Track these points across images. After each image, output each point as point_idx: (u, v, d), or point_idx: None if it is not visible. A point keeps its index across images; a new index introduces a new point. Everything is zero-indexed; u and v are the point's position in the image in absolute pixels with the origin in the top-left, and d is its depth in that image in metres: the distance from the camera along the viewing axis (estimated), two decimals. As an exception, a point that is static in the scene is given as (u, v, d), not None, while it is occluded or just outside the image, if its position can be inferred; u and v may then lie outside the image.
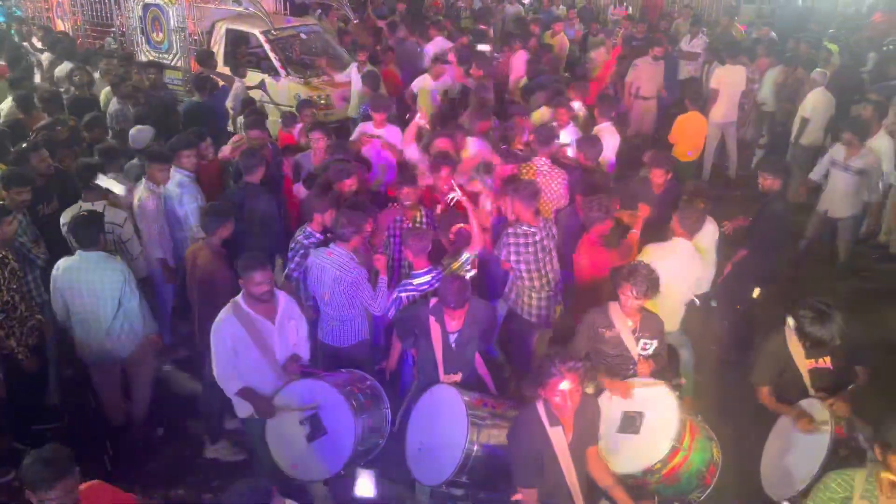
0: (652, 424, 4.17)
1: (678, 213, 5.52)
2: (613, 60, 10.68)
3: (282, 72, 10.65)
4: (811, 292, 4.47)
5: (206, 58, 9.86)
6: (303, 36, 11.63)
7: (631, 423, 4.20)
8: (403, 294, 5.15)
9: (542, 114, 8.24)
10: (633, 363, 4.54)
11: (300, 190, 6.59)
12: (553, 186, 6.53)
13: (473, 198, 5.96)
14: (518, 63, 10.47)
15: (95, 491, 3.51)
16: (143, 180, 6.08)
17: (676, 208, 5.66)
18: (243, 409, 4.64)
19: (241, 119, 8.84)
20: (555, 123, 7.45)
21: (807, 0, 18.23)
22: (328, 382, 4.46)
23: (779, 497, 4.07)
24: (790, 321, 4.31)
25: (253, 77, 10.30)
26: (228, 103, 9.15)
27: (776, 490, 4.12)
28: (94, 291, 5.02)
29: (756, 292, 6.18)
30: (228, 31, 11.25)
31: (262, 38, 10.88)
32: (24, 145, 6.46)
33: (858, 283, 7.77)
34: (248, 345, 4.45)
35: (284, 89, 10.54)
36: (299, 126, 7.87)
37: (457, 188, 5.72)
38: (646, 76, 10.27)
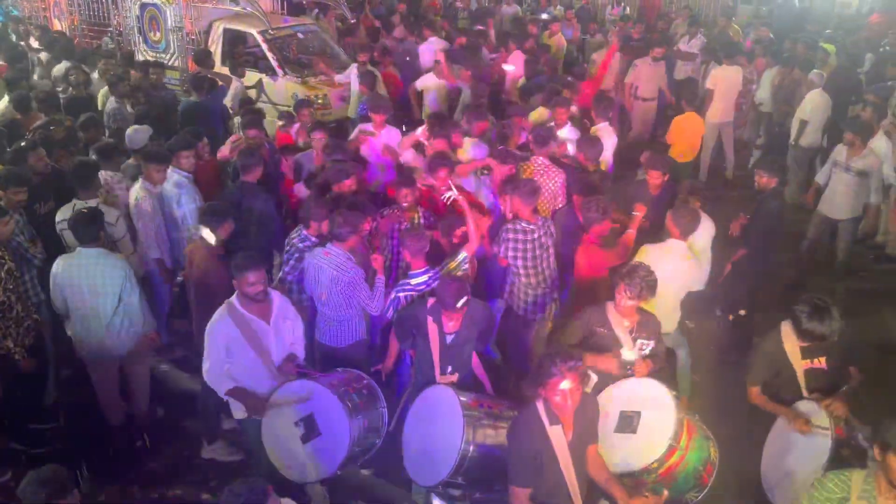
0: (649, 424, 4.16)
1: (673, 213, 5.54)
2: (609, 60, 10.68)
3: (279, 71, 10.64)
4: (809, 292, 4.47)
5: (203, 57, 9.86)
6: (300, 36, 11.64)
7: (628, 422, 4.19)
8: (401, 294, 5.15)
9: (539, 114, 8.24)
10: (629, 363, 4.54)
11: (301, 189, 6.60)
12: (550, 186, 6.54)
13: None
14: (514, 63, 10.47)
15: None
16: (140, 180, 6.07)
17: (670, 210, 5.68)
18: (239, 409, 4.63)
19: (237, 119, 8.85)
20: (552, 123, 7.47)
21: (804, 1, 18.25)
22: (323, 383, 4.44)
23: (780, 499, 4.07)
24: (784, 324, 4.32)
25: (250, 77, 10.29)
26: (228, 103, 9.15)
27: (778, 492, 4.12)
28: (95, 288, 5.02)
29: (742, 312, 6.20)
30: (226, 30, 11.24)
31: (259, 38, 10.86)
32: (22, 144, 6.45)
33: (855, 283, 7.78)
34: (242, 345, 4.43)
35: (282, 89, 10.52)
36: (297, 125, 7.86)
37: (454, 188, 5.73)
38: (645, 77, 10.28)
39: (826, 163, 8.00)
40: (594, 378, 4.55)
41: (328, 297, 5.04)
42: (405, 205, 5.88)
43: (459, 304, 4.41)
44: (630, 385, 4.39)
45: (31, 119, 7.73)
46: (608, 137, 7.46)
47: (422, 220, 5.96)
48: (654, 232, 5.95)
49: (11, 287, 5.00)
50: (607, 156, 7.39)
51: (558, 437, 3.61)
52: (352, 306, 5.10)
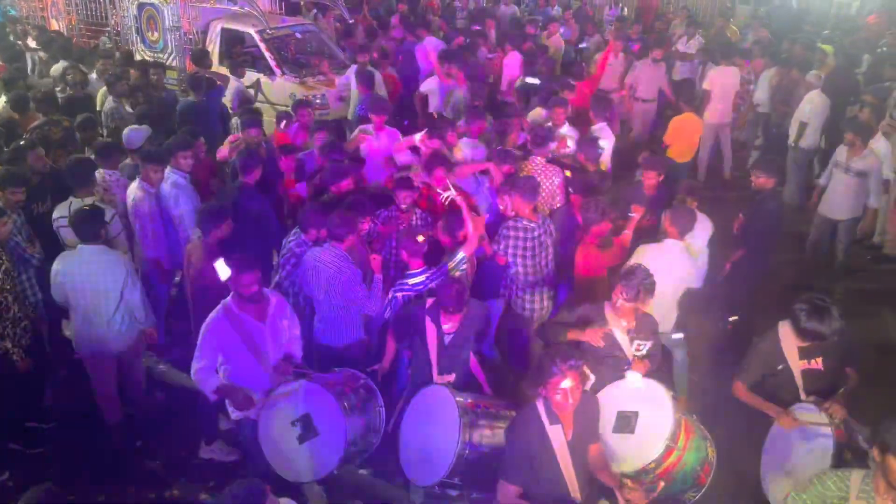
0: (647, 424, 4.16)
1: (669, 213, 5.55)
2: (607, 59, 10.69)
3: (277, 71, 10.64)
4: (807, 292, 4.47)
5: (201, 57, 9.85)
6: (298, 36, 11.63)
7: (626, 422, 4.19)
8: (399, 294, 5.15)
9: (537, 114, 8.24)
10: (627, 363, 4.54)
11: (303, 189, 6.63)
12: (547, 185, 6.55)
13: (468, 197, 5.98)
14: (510, 64, 10.46)
15: None
16: (138, 180, 6.07)
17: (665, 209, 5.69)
18: (235, 410, 4.63)
19: (235, 118, 8.84)
20: (550, 124, 7.48)
21: (802, 1, 18.26)
22: (319, 383, 4.44)
23: (779, 500, 4.07)
24: (782, 324, 4.32)
25: (248, 77, 10.28)
26: (228, 102, 9.13)
27: (777, 493, 4.12)
28: (96, 285, 5.03)
29: (733, 318, 6.22)
30: (224, 30, 11.24)
31: (257, 38, 10.86)
32: (21, 144, 6.45)
33: (854, 283, 7.79)
34: (238, 346, 4.43)
35: (280, 89, 10.52)
36: (295, 125, 7.85)
37: (452, 187, 5.73)
38: (645, 78, 10.28)
39: (828, 164, 8.00)
40: (592, 378, 4.55)
41: (326, 296, 5.04)
42: (404, 206, 5.88)
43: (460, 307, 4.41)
44: (627, 385, 4.38)
45: (28, 119, 7.73)
46: (606, 138, 7.47)
47: (419, 221, 5.96)
48: (649, 232, 5.95)
49: (9, 287, 5.00)
50: (606, 156, 7.40)
51: (558, 436, 3.62)
52: (349, 306, 5.10)
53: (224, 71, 10.22)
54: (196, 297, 5.22)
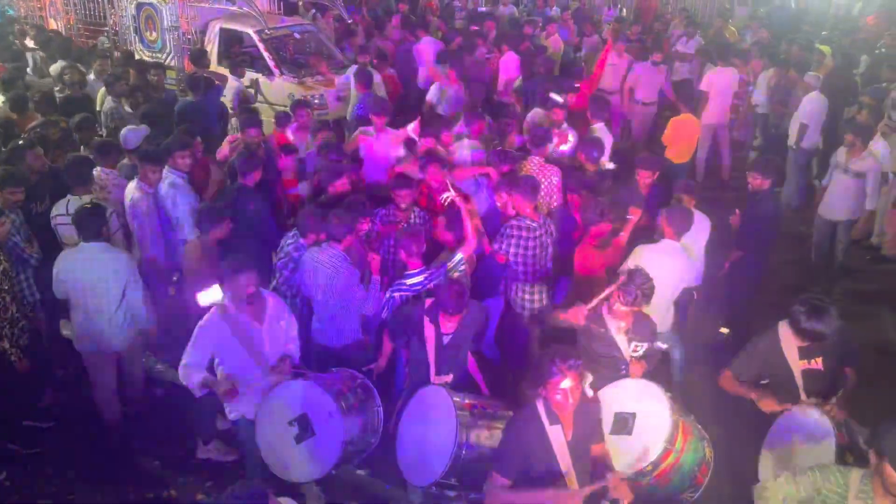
0: (644, 426, 4.15)
1: (666, 213, 5.56)
2: (605, 59, 10.70)
3: (275, 71, 10.63)
4: (806, 293, 4.48)
5: (199, 57, 9.84)
6: (297, 36, 11.62)
7: (623, 424, 4.19)
8: (396, 294, 5.15)
9: (535, 114, 8.25)
10: (624, 364, 4.55)
11: (305, 189, 6.65)
12: (545, 185, 6.54)
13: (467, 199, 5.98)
14: (507, 65, 10.47)
15: None
16: (135, 180, 6.07)
17: (662, 209, 5.69)
18: (234, 410, 4.63)
19: (234, 119, 8.84)
20: (548, 124, 7.49)
21: (800, 2, 18.27)
22: (317, 383, 4.44)
23: None
24: (781, 324, 4.32)
25: (247, 76, 10.27)
26: (228, 102, 9.12)
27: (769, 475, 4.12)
28: (98, 282, 5.05)
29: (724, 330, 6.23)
30: (222, 30, 11.24)
31: (255, 38, 10.86)
32: (20, 143, 6.45)
33: (852, 284, 7.80)
34: (235, 346, 4.42)
35: (278, 89, 10.52)
36: (293, 126, 7.85)
37: (451, 188, 5.73)
38: (644, 81, 10.28)
39: (826, 165, 8.00)
40: (589, 377, 4.56)
41: (323, 297, 5.04)
42: (403, 206, 5.88)
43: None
44: (624, 386, 4.38)
45: (27, 119, 7.72)
46: (604, 138, 7.46)
47: (417, 220, 5.96)
48: (644, 231, 5.96)
49: (6, 288, 5.00)
50: (604, 157, 7.39)
51: (557, 437, 3.62)
52: (347, 306, 5.09)
53: (223, 71, 10.22)
54: (193, 297, 5.21)
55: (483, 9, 17.01)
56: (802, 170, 9.47)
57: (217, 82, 9.12)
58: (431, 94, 9.36)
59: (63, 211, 5.76)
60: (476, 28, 12.61)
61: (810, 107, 9.04)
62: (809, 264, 7.84)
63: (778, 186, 7.98)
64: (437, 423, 4.25)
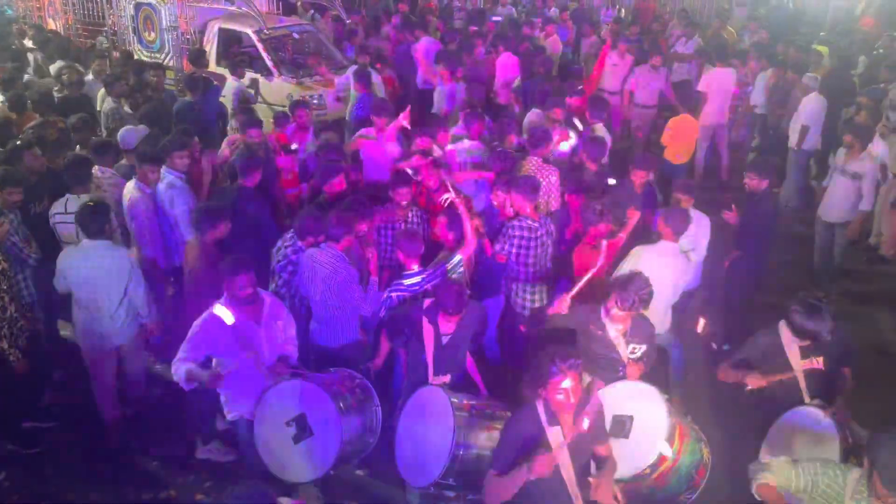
0: (641, 429, 4.14)
1: (664, 214, 5.56)
2: (604, 60, 10.70)
3: (274, 71, 10.63)
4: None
5: (198, 57, 9.83)
6: (295, 36, 11.62)
7: (620, 427, 4.18)
8: (394, 294, 5.15)
9: (534, 114, 8.26)
10: (622, 366, 4.55)
11: (304, 190, 6.68)
12: (543, 184, 6.54)
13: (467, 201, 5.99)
14: (504, 65, 10.47)
15: None
16: (134, 180, 6.07)
17: (652, 210, 5.70)
18: (232, 410, 4.63)
19: (233, 119, 8.84)
20: (547, 124, 7.50)
21: (797, 3, 18.27)
22: (315, 383, 4.44)
23: None
24: (782, 324, 4.33)
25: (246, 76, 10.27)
26: (228, 103, 9.12)
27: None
28: (101, 279, 5.08)
29: (700, 325, 6.20)
30: (221, 30, 11.24)
31: (254, 38, 10.86)
32: (18, 143, 6.45)
33: (849, 285, 7.81)
34: (232, 347, 4.42)
35: (277, 89, 10.52)
36: (292, 126, 7.85)
37: (451, 190, 5.73)
38: (644, 84, 10.29)
39: (823, 165, 8.00)
40: (587, 379, 4.56)
41: (322, 297, 5.04)
42: (403, 203, 5.88)
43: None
44: (622, 388, 4.38)
45: (25, 119, 7.72)
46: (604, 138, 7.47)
47: (416, 220, 5.97)
48: (637, 230, 5.96)
49: (5, 288, 5.00)
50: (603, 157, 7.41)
51: (557, 438, 3.62)
52: (345, 306, 5.09)
53: (222, 71, 10.21)
54: (191, 297, 5.22)
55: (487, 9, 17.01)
56: (803, 170, 9.48)
57: (215, 83, 9.11)
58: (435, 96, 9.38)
59: (62, 210, 5.78)
60: (475, 28, 12.61)
61: (811, 108, 9.03)
62: (809, 265, 7.84)
63: (776, 187, 7.98)
64: (435, 424, 4.25)
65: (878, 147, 7.62)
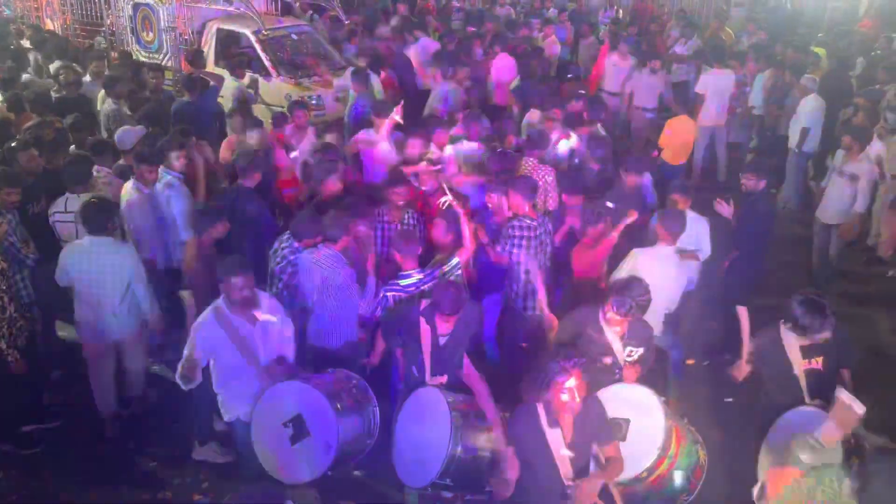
0: (638, 432, 4.15)
1: (661, 217, 5.56)
2: (602, 60, 10.70)
3: (273, 72, 10.63)
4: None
5: (196, 58, 9.82)
6: (294, 37, 11.61)
7: (617, 429, 4.18)
8: (390, 294, 5.14)
9: (533, 115, 8.26)
10: (619, 368, 4.55)
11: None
12: (540, 184, 6.54)
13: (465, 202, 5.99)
14: (500, 66, 10.47)
15: None
16: (132, 180, 6.06)
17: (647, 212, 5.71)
18: (230, 411, 4.62)
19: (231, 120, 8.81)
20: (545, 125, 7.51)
21: (796, 4, 18.30)
22: (312, 384, 4.44)
23: None
24: (782, 324, 4.33)
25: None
26: (227, 103, 9.11)
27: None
28: (104, 276, 5.10)
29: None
30: (219, 30, 11.23)
31: (252, 39, 10.86)
32: (13, 144, 6.44)
33: (847, 285, 7.82)
34: (229, 348, 4.41)
35: (275, 90, 10.51)
36: (290, 126, 7.84)
37: (448, 192, 5.73)
38: (643, 87, 10.28)
39: (821, 166, 8.00)
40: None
41: (319, 297, 5.04)
42: (401, 203, 5.87)
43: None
44: (618, 391, 4.38)
45: (23, 119, 7.70)
46: (600, 139, 7.50)
47: (412, 220, 5.96)
48: (629, 231, 5.96)
49: (4, 288, 5.00)
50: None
51: (556, 439, 3.62)
52: (343, 307, 5.09)
53: (220, 71, 10.20)
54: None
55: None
56: (802, 172, 9.48)
57: (213, 83, 9.11)
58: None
59: (61, 209, 5.79)
60: (474, 29, 12.61)
61: (810, 110, 9.03)
62: (807, 266, 7.85)
63: (774, 188, 7.98)
64: (431, 425, 4.26)
65: (875, 148, 7.62)
